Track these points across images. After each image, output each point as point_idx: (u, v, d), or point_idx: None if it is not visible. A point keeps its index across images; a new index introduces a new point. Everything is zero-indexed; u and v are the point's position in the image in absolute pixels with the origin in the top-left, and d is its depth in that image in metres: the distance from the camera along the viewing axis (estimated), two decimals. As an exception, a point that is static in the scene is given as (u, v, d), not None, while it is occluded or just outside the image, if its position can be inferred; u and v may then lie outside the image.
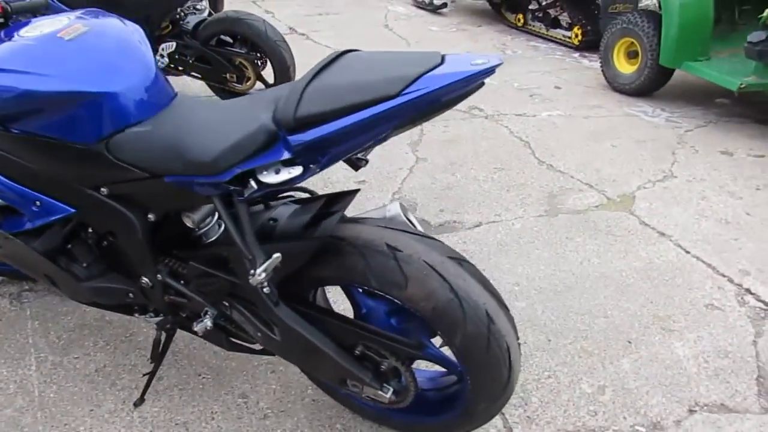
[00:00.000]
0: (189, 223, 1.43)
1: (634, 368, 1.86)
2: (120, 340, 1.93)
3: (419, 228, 1.60)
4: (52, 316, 2.03)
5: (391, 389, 1.39)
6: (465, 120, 3.73)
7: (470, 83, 1.09)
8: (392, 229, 1.33)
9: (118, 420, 1.66)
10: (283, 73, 3.52)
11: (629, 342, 1.96)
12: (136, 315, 1.65)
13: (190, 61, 3.59)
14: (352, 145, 1.17)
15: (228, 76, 3.59)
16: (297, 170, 1.16)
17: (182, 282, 1.48)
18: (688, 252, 2.43)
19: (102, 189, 1.38)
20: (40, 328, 1.98)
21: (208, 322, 1.44)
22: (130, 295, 1.57)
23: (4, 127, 1.36)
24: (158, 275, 1.47)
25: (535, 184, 2.96)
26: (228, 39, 3.60)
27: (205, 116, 1.31)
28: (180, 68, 3.62)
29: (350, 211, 1.41)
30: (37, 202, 1.44)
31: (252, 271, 1.21)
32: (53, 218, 1.45)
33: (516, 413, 1.71)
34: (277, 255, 1.21)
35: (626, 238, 2.51)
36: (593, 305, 2.12)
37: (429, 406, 1.53)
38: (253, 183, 1.17)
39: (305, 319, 1.37)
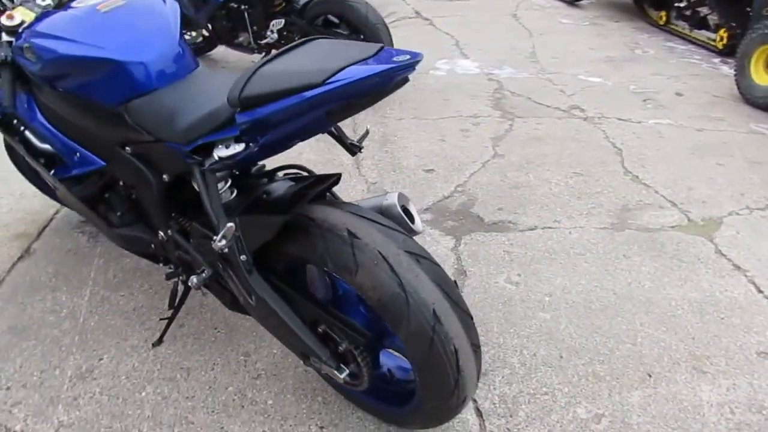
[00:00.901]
0: (196, 187, 1.56)
1: (644, 404, 1.72)
2: (161, 286, 2.14)
3: (418, 221, 1.61)
4: (116, 256, 2.29)
5: (347, 371, 1.42)
6: (561, 120, 3.56)
7: (387, 78, 1.09)
8: (361, 216, 1.35)
9: (136, 355, 1.86)
10: (380, 56, 3.58)
11: (649, 375, 1.81)
12: (161, 264, 1.83)
13: (296, 38, 3.77)
14: (289, 129, 1.21)
15: (328, 55, 3.73)
16: (239, 147, 1.23)
17: (187, 240, 1.61)
18: (761, 291, 2.16)
19: (126, 147, 1.55)
20: (103, 265, 2.25)
21: (201, 279, 1.56)
22: (152, 246, 1.74)
23: (51, 86, 1.57)
24: (169, 231, 1.63)
25: (611, 195, 2.77)
26: (335, 20, 3.73)
27: (203, 89, 1.42)
28: (284, 44, 3.83)
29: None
30: (77, 154, 1.65)
31: (214, 237, 1.31)
32: (89, 169, 1.66)
33: (497, 422, 1.66)
34: (230, 224, 1.29)
35: (692, 266, 2.29)
36: (624, 329, 1.98)
37: (395, 395, 1.54)
38: (214, 155, 1.26)
39: (276, 291, 1.44)
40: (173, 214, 1.65)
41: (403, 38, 4.97)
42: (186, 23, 4.21)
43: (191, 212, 1.64)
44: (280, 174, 1.61)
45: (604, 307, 2.08)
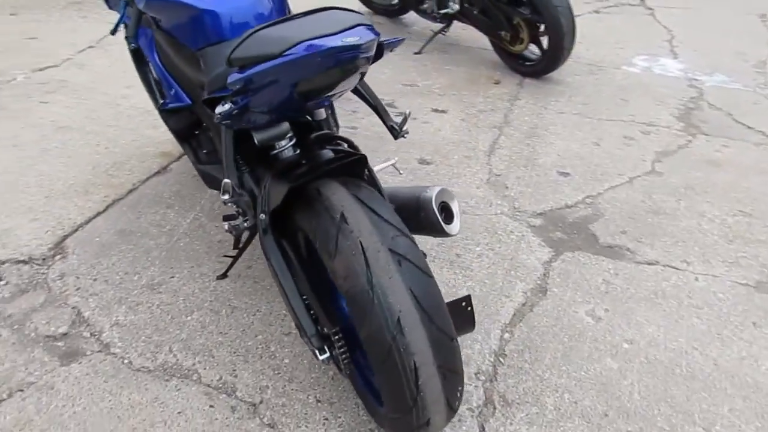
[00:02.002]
0: (255, 139, 1.61)
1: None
2: (250, 226, 2.28)
3: (456, 222, 1.48)
4: (229, 190, 2.49)
5: (327, 354, 1.38)
6: (757, 147, 2.97)
7: (333, 57, 0.99)
8: (363, 203, 1.27)
9: (200, 282, 2.02)
10: (556, 41, 3.32)
11: (705, 472, 1.47)
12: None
13: (474, 12, 3.64)
14: (266, 98, 1.17)
15: (503, 34, 3.55)
16: (227, 106, 1.22)
17: (246, 189, 1.68)
18: None
19: (203, 91, 1.65)
20: (214, 196, 2.46)
21: (238, 228, 1.62)
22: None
23: (157, 25, 1.72)
24: (234, 178, 1.71)
25: (776, 248, 2.26)
26: (525, -1, 3.51)
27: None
28: (465, 17, 3.71)
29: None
30: (173, 89, 1.80)
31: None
32: (180, 105, 1.80)
33: (494, 460, 1.50)
34: (226, 180, 1.31)
35: (844, 361, 1.78)
36: (703, 409, 1.63)
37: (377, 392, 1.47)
38: (216, 110, 1.27)
39: (284, 257, 1.44)
40: (240, 162, 1.72)
41: (607, 27, 4.52)
42: (383, -16, 4.31)
43: (254, 163, 1.70)
44: (327, 144, 1.59)
45: (692, 376, 1.73)
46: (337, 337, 1.33)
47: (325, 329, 1.37)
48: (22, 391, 1.62)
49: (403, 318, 1.16)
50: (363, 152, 1.53)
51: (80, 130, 2.89)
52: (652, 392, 1.67)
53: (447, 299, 1.36)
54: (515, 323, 1.91)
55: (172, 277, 2.04)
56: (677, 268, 2.15)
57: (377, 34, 1.16)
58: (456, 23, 3.92)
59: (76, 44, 3.87)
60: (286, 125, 1.54)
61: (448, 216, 1.52)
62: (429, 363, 1.18)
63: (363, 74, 1.28)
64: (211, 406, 1.61)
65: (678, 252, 2.23)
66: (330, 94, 1.27)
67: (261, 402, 1.63)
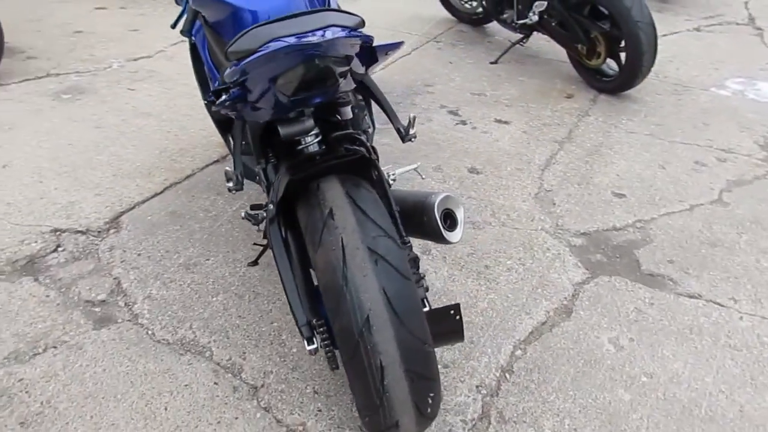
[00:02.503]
0: (280, 133, 1.68)
1: None
2: (289, 219, 2.37)
3: (458, 231, 1.48)
4: (278, 183, 2.59)
5: (315, 345, 1.42)
6: None
7: (296, 55, 1.01)
8: (353, 201, 1.30)
9: (232, 267, 2.13)
10: (634, 58, 3.18)
11: None
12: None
13: (553, 24, 3.55)
14: (252, 94, 1.20)
15: (579, 47, 3.44)
16: (222, 97, 1.28)
17: (268, 181, 1.76)
18: None
19: None
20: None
21: (257, 216, 1.70)
22: (257, 178, 1.94)
23: (204, 21, 1.83)
24: (258, 167, 1.79)
25: (844, 295, 2.05)
26: (604, 11, 3.39)
27: None
28: (543, 29, 3.64)
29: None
30: (216, 83, 1.91)
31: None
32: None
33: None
34: (227, 168, 1.37)
35: None
36: (715, 457, 1.51)
37: None
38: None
39: (285, 247, 1.49)
40: (270, 155, 1.80)
41: (705, 46, 4.27)
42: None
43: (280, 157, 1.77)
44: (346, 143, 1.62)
45: (710, 418, 1.61)
46: (321, 329, 1.36)
47: (314, 321, 1.41)
48: (55, 348, 1.78)
49: (372, 317, 1.17)
50: (376, 153, 1.55)
51: (157, 117, 3.11)
52: (660, 429, 1.58)
53: (439, 305, 1.37)
54: (530, 341, 1.86)
55: (208, 259, 2.16)
56: (721, 305, 2.00)
57: (360, 36, 1.17)
58: (538, 35, 3.84)
59: (170, 38, 4.15)
60: (310, 122, 1.60)
61: (453, 223, 1.51)
62: (396, 364, 1.19)
63: (343, 75, 1.27)
64: (215, 383, 1.69)
65: (726, 288, 2.07)
66: (317, 92, 1.29)
67: (262, 386, 1.69)
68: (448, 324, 1.40)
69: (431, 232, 1.49)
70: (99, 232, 2.27)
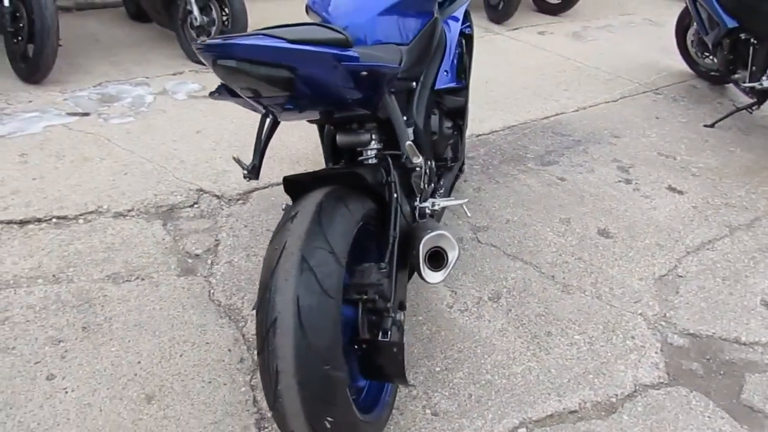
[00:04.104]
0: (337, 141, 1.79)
1: None
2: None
3: (441, 273, 1.43)
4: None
5: None
6: None
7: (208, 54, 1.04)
8: (318, 211, 1.31)
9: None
10: None
11: None
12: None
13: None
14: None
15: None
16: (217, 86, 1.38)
17: None
18: None
19: None
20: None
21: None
22: None
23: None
24: None
25: None
26: None
27: None
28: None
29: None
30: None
31: None
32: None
33: None
34: (235, 156, 1.50)
35: None
36: None
37: None
38: None
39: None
40: (341, 158, 1.91)
41: None
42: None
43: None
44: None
45: None
46: None
47: None
48: (141, 279, 2.13)
49: (279, 320, 1.19)
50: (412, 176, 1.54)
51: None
52: None
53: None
54: (543, 424, 1.64)
55: (295, 246, 2.34)
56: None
57: (302, 50, 1.14)
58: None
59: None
60: (366, 136, 1.67)
61: (440, 264, 1.42)
62: (290, 373, 1.19)
63: (294, 87, 1.25)
64: (229, 350, 1.85)
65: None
66: (279, 98, 1.31)
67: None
68: (387, 360, 1.33)
69: (416, 266, 1.43)
70: (229, 200, 2.62)
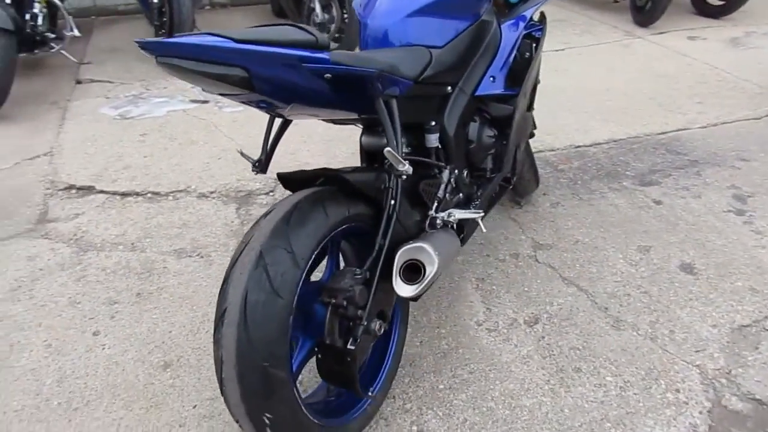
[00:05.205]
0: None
1: None
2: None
3: (415, 287, 1.38)
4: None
5: None
6: None
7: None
8: (291, 211, 1.31)
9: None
10: None
11: None
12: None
13: None
14: None
15: None
16: None
17: None
18: None
19: None
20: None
21: None
22: None
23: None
24: None
25: None
26: None
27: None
28: None
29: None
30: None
31: None
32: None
33: None
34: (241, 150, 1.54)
35: None
36: None
37: None
38: None
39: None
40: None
41: None
42: None
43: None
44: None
45: None
46: None
47: None
48: (201, 257, 2.30)
49: (228, 311, 1.22)
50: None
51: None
52: None
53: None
54: (533, 467, 1.51)
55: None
56: None
57: (249, 51, 1.12)
58: None
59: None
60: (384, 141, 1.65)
61: (411, 275, 1.36)
62: (231, 364, 1.21)
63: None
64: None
65: None
66: (241, 95, 1.29)
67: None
68: (339, 366, 1.31)
69: (393, 276, 1.38)
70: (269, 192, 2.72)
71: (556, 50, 4.50)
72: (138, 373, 1.78)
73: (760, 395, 1.68)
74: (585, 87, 3.81)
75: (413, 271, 1.38)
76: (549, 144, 3.10)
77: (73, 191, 2.74)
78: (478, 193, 1.89)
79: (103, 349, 1.87)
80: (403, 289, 1.35)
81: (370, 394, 1.52)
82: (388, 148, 1.33)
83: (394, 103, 1.43)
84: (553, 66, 4.16)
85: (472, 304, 2.03)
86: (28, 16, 3.57)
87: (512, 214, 2.53)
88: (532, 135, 2.45)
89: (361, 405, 1.53)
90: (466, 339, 1.89)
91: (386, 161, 1.36)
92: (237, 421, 1.28)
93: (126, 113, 3.52)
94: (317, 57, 1.21)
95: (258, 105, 1.34)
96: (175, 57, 1.09)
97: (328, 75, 1.23)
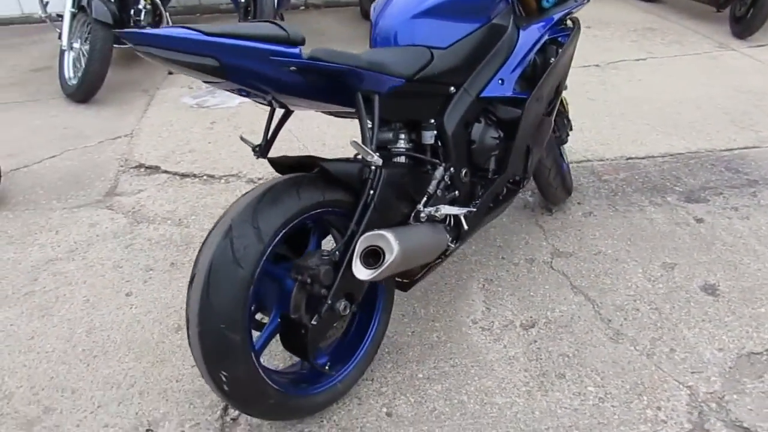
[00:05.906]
0: None
1: None
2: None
3: (373, 271, 1.45)
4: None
5: None
6: None
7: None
8: (267, 192, 1.42)
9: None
10: None
11: None
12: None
13: None
14: None
15: None
16: None
17: None
18: None
19: None
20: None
21: None
22: None
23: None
24: None
25: None
26: None
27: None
28: None
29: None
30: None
31: None
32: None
33: None
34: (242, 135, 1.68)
35: None
36: None
37: None
38: None
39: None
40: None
41: None
42: None
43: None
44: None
45: None
46: None
47: None
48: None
49: (196, 275, 1.36)
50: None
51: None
52: None
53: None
54: (487, 461, 1.54)
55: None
56: None
57: (221, 44, 1.22)
58: None
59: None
60: (389, 134, 1.75)
61: (371, 260, 1.43)
62: (195, 323, 1.35)
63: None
64: (259, 308, 2.09)
65: None
66: (223, 84, 1.39)
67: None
68: (296, 336, 1.42)
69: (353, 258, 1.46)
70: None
71: (636, 60, 4.34)
72: (154, 332, 1.99)
73: (748, 424, 1.59)
74: (655, 98, 3.65)
75: (375, 256, 1.45)
76: (600, 154, 3.03)
77: (142, 169, 3.05)
78: (481, 193, 1.92)
79: (131, 308, 2.10)
80: (360, 272, 1.43)
81: (326, 368, 1.61)
82: (354, 140, 1.41)
83: (376, 98, 1.51)
84: (627, 76, 4.02)
85: (473, 302, 2.06)
86: (132, 11, 3.97)
87: (540, 221, 2.51)
88: (564, 141, 2.43)
89: (328, 381, 1.63)
90: (457, 335, 1.93)
91: (356, 153, 1.45)
92: (202, 376, 1.43)
93: (203, 102, 3.83)
94: (284, 51, 1.32)
95: (240, 93, 1.47)
96: (150, 46, 1.24)
97: (293, 68, 1.33)
